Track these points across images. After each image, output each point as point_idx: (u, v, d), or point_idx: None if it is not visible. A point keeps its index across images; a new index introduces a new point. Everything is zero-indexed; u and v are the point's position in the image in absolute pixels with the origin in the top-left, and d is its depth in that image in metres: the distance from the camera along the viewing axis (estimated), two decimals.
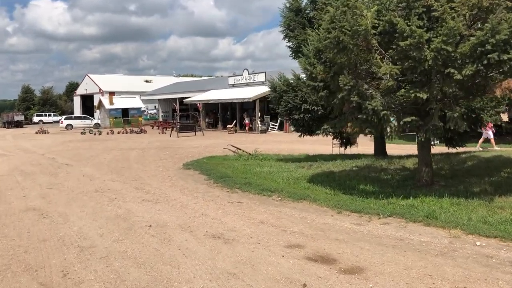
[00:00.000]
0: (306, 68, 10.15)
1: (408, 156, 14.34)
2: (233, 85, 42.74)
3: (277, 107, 15.54)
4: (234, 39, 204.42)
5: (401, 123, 8.57)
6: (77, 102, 72.93)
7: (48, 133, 41.03)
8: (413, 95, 8.24)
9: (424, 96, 8.17)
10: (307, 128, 15.02)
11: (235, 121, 39.20)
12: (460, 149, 14.47)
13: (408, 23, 7.96)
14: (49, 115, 69.67)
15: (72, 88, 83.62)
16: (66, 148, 24.44)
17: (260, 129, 35.82)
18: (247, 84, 40.73)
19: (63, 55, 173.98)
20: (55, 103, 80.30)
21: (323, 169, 13.22)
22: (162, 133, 39.31)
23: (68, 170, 14.64)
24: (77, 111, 70.24)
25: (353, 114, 9.15)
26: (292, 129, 35.41)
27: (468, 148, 16.21)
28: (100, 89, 62.71)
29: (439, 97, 8.51)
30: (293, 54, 15.61)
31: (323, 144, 24.62)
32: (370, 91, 8.79)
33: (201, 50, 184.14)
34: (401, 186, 10.16)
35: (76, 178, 12.94)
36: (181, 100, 49.37)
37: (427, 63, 7.97)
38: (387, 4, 8.57)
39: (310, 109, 14.09)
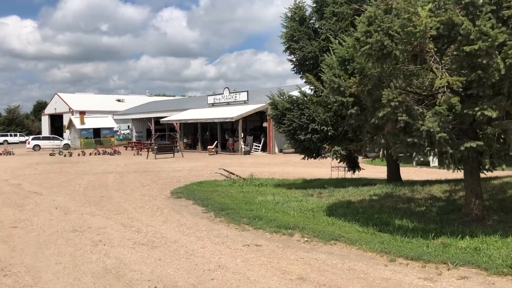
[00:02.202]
0: (333, 81, 8.48)
1: (427, 182, 12.80)
2: (213, 104, 40.95)
3: (278, 127, 13.81)
4: (206, 60, 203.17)
5: (462, 148, 6.93)
6: (45, 121, 69.55)
7: (13, 154, 38.19)
8: (479, 112, 6.65)
9: (493, 114, 6.59)
10: (314, 150, 13.32)
11: (216, 141, 37.28)
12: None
13: (477, 23, 6.40)
14: (15, 135, 66.14)
15: (40, 107, 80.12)
16: (34, 172, 22.04)
17: (243, 150, 34.01)
18: (228, 104, 39.03)
19: (31, 74, 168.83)
20: (21, 123, 76.66)
21: (338, 198, 11.51)
22: (138, 154, 37.06)
23: (38, 201, 12.45)
24: (46, 131, 66.87)
25: (396, 136, 7.49)
26: (276, 150, 33.84)
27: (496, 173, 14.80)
28: (70, 108, 59.78)
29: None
30: (296, 68, 13.99)
31: (316, 167, 23.04)
32: (417, 108, 7.19)
33: (173, 70, 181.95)
34: (445, 221, 8.52)
35: (48, 211, 10.82)
36: (156, 119, 47.20)
37: (498, 73, 6.43)
38: (442, 1, 7.03)
39: (319, 129, 12.42)
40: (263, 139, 36.56)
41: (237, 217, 9.62)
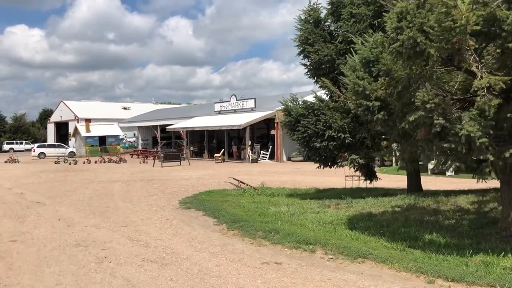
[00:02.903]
0: (357, 83, 7.82)
1: (451, 193, 12.10)
2: (220, 112, 40.41)
3: (291, 134, 13.16)
4: (212, 68, 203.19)
5: (507, 155, 6.25)
6: (51, 129, 69.32)
7: (18, 162, 37.73)
8: None
9: None
10: (329, 158, 12.66)
11: (223, 149, 36.67)
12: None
13: None
14: (21, 143, 65.96)
15: (46, 115, 79.95)
16: (38, 181, 21.48)
17: (251, 158, 33.36)
18: (235, 111, 38.48)
19: (38, 83, 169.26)
20: (27, 131, 76.47)
21: (357, 210, 10.83)
22: (144, 162, 36.48)
23: (40, 211, 11.84)
24: (51, 138, 66.64)
25: (430, 142, 6.82)
26: (284, 158, 33.06)
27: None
28: (75, 116, 59.49)
29: None
30: (310, 73, 13.36)
31: (327, 175, 22.38)
32: (454, 111, 6.53)
33: (179, 78, 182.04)
34: (480, 236, 7.81)
35: (50, 223, 10.19)
36: (162, 127, 46.71)
37: None
38: None
39: (336, 136, 11.77)
40: (270, 147, 35.92)
41: (252, 230, 8.97)
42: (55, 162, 36.02)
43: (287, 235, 8.44)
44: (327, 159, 12.75)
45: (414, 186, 12.85)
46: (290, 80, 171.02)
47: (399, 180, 19.44)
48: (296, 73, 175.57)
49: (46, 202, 13.69)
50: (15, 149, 60.59)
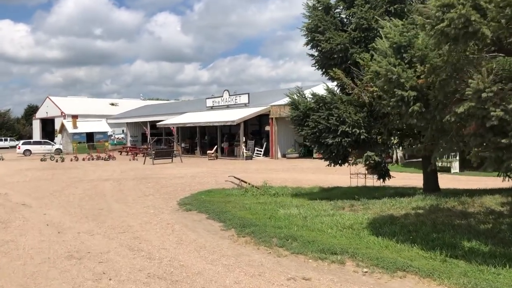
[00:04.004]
0: (391, 70, 6.88)
1: (473, 192, 11.25)
2: (212, 108, 39.33)
3: (299, 129, 12.21)
4: (200, 65, 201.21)
5: None
6: (36, 126, 67.50)
7: (3, 159, 36.28)
8: None
9: None
10: (341, 156, 11.74)
11: (215, 146, 35.62)
12: None
13: None
14: (5, 140, 64.12)
15: (31, 111, 77.94)
16: (24, 179, 20.28)
17: (245, 155, 32.36)
18: (228, 107, 37.43)
19: (23, 79, 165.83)
20: (12, 127, 74.45)
21: (376, 212, 9.92)
22: (133, 159, 35.27)
23: (26, 215, 10.74)
24: (37, 135, 64.87)
25: (481, 137, 5.92)
26: (279, 155, 32.14)
27: None
28: (62, 112, 57.84)
29: None
30: (319, 64, 12.39)
31: (328, 173, 21.45)
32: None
33: (166, 75, 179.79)
34: None
35: (38, 229, 9.12)
36: (152, 123, 45.46)
37: None
38: None
39: (350, 131, 10.84)
40: (265, 143, 34.97)
41: (265, 237, 8.02)
42: (42, 160, 34.66)
43: (307, 243, 7.51)
44: (338, 157, 11.82)
45: (431, 185, 11.98)
46: (279, 77, 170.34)
47: (405, 178, 18.65)
48: (284, 69, 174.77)
49: (32, 204, 12.57)
50: None
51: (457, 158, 20.72)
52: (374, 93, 10.39)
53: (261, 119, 38.54)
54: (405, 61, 7.22)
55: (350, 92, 11.25)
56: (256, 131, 41.22)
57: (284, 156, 33.14)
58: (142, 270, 6.20)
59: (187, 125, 38.88)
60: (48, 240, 8.09)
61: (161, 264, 6.51)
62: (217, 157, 34.13)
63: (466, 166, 21.61)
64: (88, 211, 11.28)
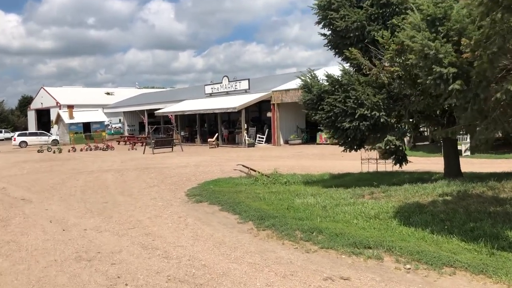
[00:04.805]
0: (427, 45, 6.21)
1: (496, 176, 10.66)
2: (211, 94, 38.54)
3: (312, 113, 11.56)
4: (194, 52, 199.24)
5: None
6: (31, 117, 66.53)
7: None
8: None
9: None
10: (359, 140, 11.12)
11: (216, 134, 34.93)
12: None
13: None
14: (0, 132, 63.16)
15: (25, 102, 76.85)
16: (21, 172, 19.58)
17: (247, 142, 31.70)
18: (227, 93, 36.66)
19: (16, 70, 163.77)
20: (6, 119, 73.46)
21: (400, 199, 9.31)
22: (132, 149, 34.58)
23: (26, 211, 10.09)
24: (32, 126, 63.96)
25: None
26: (281, 142, 31.50)
27: None
28: (57, 103, 56.88)
29: None
30: (332, 44, 11.69)
31: (335, 159, 20.93)
32: None
33: (161, 63, 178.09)
34: None
35: (40, 226, 8.48)
36: (149, 112, 44.66)
37: None
38: None
39: (369, 115, 10.20)
40: (267, 130, 34.30)
41: (288, 230, 7.42)
42: (38, 151, 33.90)
43: (335, 235, 6.92)
44: (355, 142, 11.20)
45: (453, 169, 11.39)
46: (274, 63, 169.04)
47: (416, 162, 18.00)
48: (279, 55, 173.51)
49: (32, 198, 11.91)
50: None
51: (468, 140, 20.16)
52: (395, 73, 9.77)
53: (261, 106, 37.82)
54: (441, 35, 6.56)
55: (368, 72, 10.59)
56: (256, 117, 40.51)
57: (286, 142, 32.50)
58: (160, 272, 5.57)
59: (186, 113, 38.13)
60: (52, 239, 7.45)
61: (180, 265, 5.89)
62: (218, 145, 33.47)
63: (476, 149, 21.06)
64: (92, 205, 10.63)
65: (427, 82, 6.38)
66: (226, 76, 37.79)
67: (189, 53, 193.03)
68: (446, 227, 7.14)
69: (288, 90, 31.07)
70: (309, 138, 32.79)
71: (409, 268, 5.50)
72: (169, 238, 7.29)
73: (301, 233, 7.26)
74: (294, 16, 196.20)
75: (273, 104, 32.20)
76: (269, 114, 33.68)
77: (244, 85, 35.23)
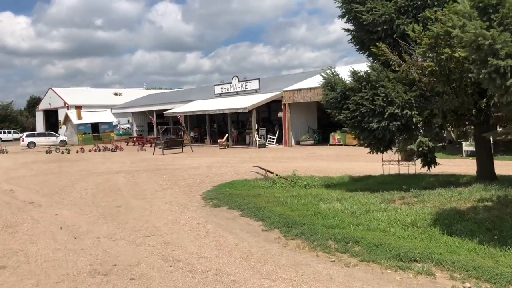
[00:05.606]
0: (482, 35, 5.54)
1: None
2: (220, 95, 37.94)
3: (336, 113, 10.90)
4: (201, 53, 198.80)
5: None
6: (39, 117, 66.31)
7: (7, 152, 35.11)
8: None
9: None
10: (387, 141, 10.46)
11: (227, 134, 34.32)
12: None
13: None
14: (9, 133, 62.99)
15: (34, 103, 76.70)
16: (30, 173, 19.07)
17: (258, 143, 31.06)
18: (237, 93, 36.04)
19: (26, 71, 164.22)
20: (15, 119, 73.27)
21: (436, 205, 8.63)
22: (141, 150, 34.04)
23: (35, 216, 9.50)
24: (40, 127, 63.71)
25: None
26: (292, 142, 30.79)
27: None
28: (65, 103, 56.59)
29: None
30: (357, 39, 11.05)
31: (351, 160, 20.30)
32: None
33: (168, 64, 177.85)
34: None
35: (50, 233, 7.88)
36: (158, 112, 44.11)
37: None
38: None
39: (400, 114, 9.53)
40: (278, 130, 33.64)
41: (320, 239, 6.79)
42: (47, 152, 33.45)
43: (373, 246, 6.28)
44: (383, 143, 10.54)
45: (486, 172, 10.67)
46: (280, 64, 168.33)
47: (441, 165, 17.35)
48: (286, 56, 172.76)
49: (41, 202, 11.34)
50: (3, 139, 57.83)
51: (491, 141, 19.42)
52: (428, 69, 9.10)
53: (271, 106, 37.16)
54: (495, 23, 5.89)
55: (397, 69, 9.92)
56: (265, 118, 39.87)
57: (298, 143, 31.82)
58: None
59: (196, 113, 37.53)
60: (64, 248, 6.84)
61: (207, 280, 5.27)
62: (228, 146, 32.86)
63: (497, 150, 20.32)
64: (105, 209, 10.04)
65: (481, 76, 5.71)
66: (236, 76, 37.17)
67: (196, 55, 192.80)
68: (495, 237, 6.48)
69: (300, 89, 30.43)
70: (321, 139, 32.09)
71: (470, 287, 4.84)
72: (190, 248, 6.66)
73: (335, 243, 6.63)
74: (301, 17, 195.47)
75: (284, 104, 31.54)
76: (280, 114, 33.01)
77: (254, 85, 34.60)
